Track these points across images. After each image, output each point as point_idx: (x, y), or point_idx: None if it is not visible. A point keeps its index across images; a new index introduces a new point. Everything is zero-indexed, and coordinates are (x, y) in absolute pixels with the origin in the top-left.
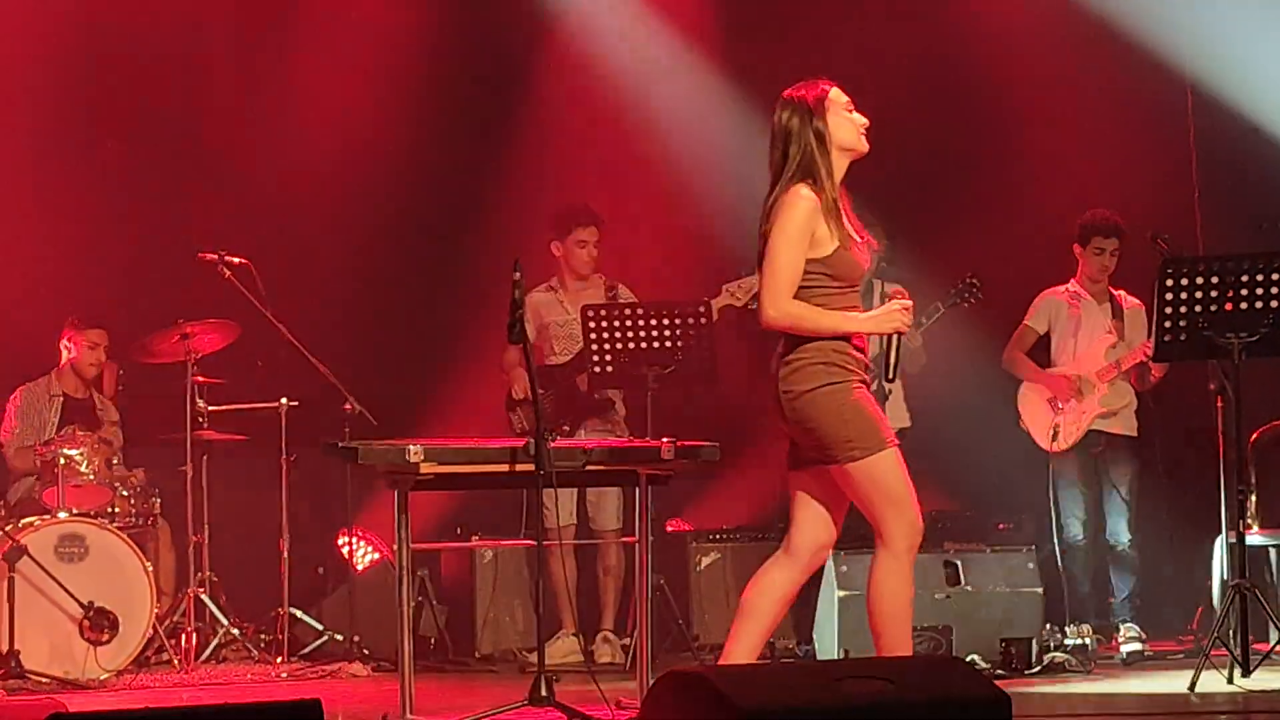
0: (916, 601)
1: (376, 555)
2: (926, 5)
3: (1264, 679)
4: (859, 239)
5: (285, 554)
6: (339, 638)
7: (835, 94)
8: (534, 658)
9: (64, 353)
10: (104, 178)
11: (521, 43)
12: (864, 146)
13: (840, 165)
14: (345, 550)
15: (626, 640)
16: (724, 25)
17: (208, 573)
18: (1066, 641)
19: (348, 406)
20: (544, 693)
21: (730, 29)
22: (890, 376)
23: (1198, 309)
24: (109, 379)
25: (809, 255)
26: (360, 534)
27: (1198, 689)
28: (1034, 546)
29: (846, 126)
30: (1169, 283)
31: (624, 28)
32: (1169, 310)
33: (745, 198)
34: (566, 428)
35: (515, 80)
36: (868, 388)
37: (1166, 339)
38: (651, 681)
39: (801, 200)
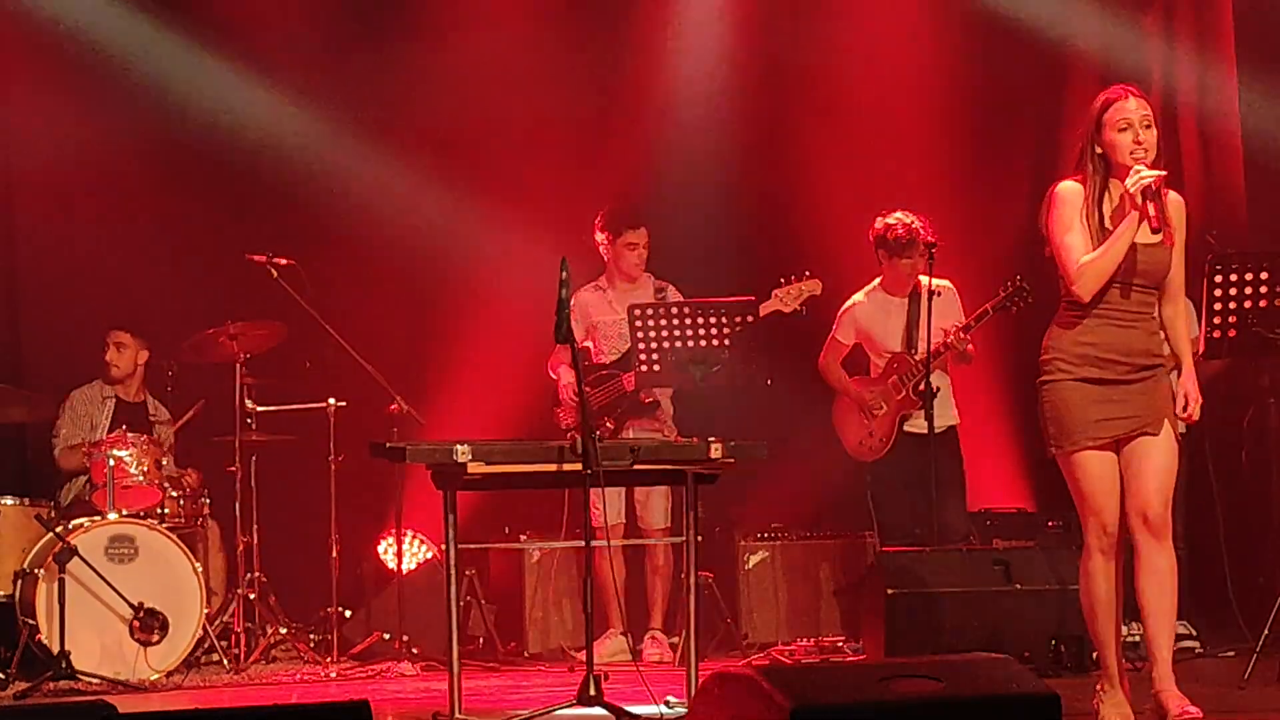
0: (966, 599)
1: (429, 555)
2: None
3: None
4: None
5: (334, 554)
6: (387, 637)
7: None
8: (582, 656)
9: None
10: (153, 181)
11: (571, 41)
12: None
13: None
14: (393, 550)
15: (675, 639)
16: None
17: (257, 573)
18: None
19: (395, 407)
20: (592, 692)
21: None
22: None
23: (1247, 305)
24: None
25: None
26: (408, 534)
27: (1249, 687)
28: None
29: None
30: (1218, 279)
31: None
32: (1218, 306)
33: (796, 201)
34: (610, 425)
35: (564, 78)
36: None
37: (1215, 335)
38: (700, 680)
39: None
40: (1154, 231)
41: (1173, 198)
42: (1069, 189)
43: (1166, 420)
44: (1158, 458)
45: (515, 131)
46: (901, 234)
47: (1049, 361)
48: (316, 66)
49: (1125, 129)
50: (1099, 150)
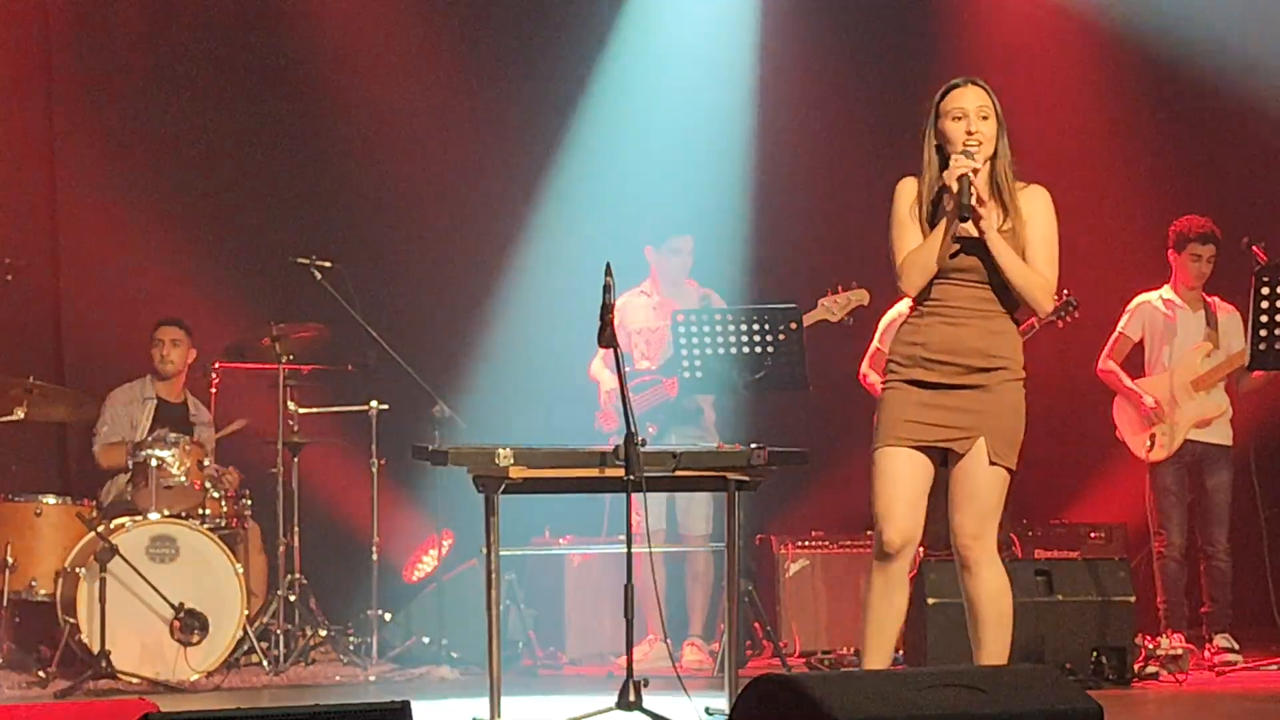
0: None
1: (464, 559)
2: (1026, 9)
3: None
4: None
5: (375, 557)
6: (427, 641)
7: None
8: (621, 662)
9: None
10: (197, 182)
11: (611, 47)
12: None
13: None
14: (434, 553)
15: (715, 646)
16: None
17: (298, 575)
18: (1159, 651)
19: (437, 410)
20: (632, 698)
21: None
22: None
23: None
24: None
25: None
26: (448, 537)
27: None
28: (1125, 556)
29: None
30: (1265, 290)
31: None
32: (1265, 318)
33: (843, 210)
34: (653, 430)
35: (607, 84)
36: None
37: (1262, 347)
38: (739, 688)
39: None
40: (963, 221)
41: (1030, 190)
42: (904, 183)
43: (985, 441)
44: (966, 483)
45: (560, 136)
46: None
47: (887, 365)
48: (369, 69)
49: (959, 119)
50: (935, 142)
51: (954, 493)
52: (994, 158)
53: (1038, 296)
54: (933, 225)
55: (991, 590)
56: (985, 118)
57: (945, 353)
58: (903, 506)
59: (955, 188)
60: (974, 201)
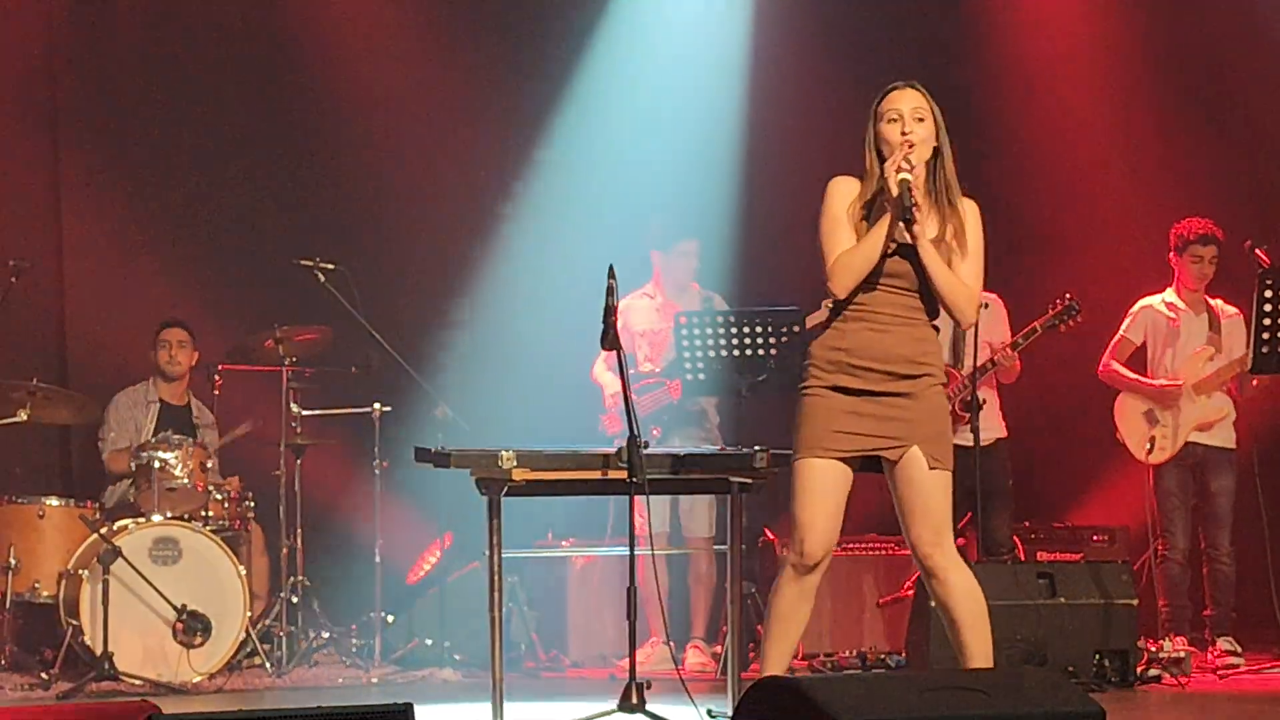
0: (1011, 612)
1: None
2: (1027, 14)
3: None
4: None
5: (378, 559)
6: (430, 643)
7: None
8: (624, 664)
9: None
10: (200, 185)
11: (611, 49)
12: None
13: None
14: (437, 555)
15: (717, 648)
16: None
17: (300, 577)
18: (1162, 654)
19: (440, 412)
20: (634, 700)
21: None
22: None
23: None
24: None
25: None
26: (451, 539)
27: None
28: (1128, 559)
29: None
30: (1268, 293)
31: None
32: (1267, 321)
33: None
34: (656, 432)
35: (608, 86)
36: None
37: (1265, 350)
38: (742, 690)
39: None
40: (904, 223)
41: (965, 204)
42: (839, 182)
43: (920, 449)
44: (916, 495)
45: (562, 138)
46: None
47: (806, 369)
48: (370, 70)
49: (894, 120)
50: (876, 146)
51: (904, 506)
52: (936, 162)
53: (963, 307)
54: (870, 227)
55: (962, 592)
56: (920, 119)
57: (872, 359)
58: (824, 519)
59: (895, 191)
60: (912, 205)
